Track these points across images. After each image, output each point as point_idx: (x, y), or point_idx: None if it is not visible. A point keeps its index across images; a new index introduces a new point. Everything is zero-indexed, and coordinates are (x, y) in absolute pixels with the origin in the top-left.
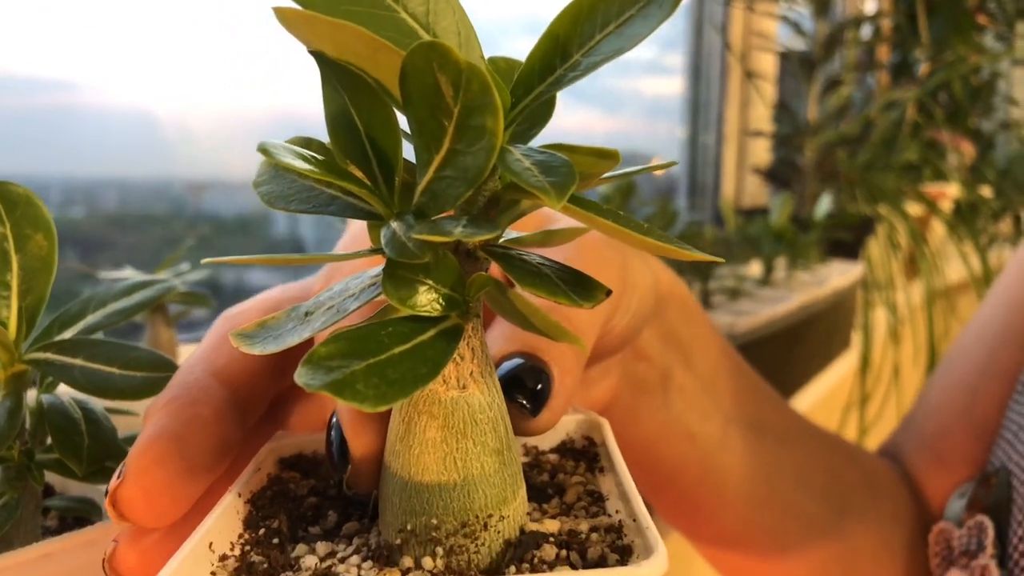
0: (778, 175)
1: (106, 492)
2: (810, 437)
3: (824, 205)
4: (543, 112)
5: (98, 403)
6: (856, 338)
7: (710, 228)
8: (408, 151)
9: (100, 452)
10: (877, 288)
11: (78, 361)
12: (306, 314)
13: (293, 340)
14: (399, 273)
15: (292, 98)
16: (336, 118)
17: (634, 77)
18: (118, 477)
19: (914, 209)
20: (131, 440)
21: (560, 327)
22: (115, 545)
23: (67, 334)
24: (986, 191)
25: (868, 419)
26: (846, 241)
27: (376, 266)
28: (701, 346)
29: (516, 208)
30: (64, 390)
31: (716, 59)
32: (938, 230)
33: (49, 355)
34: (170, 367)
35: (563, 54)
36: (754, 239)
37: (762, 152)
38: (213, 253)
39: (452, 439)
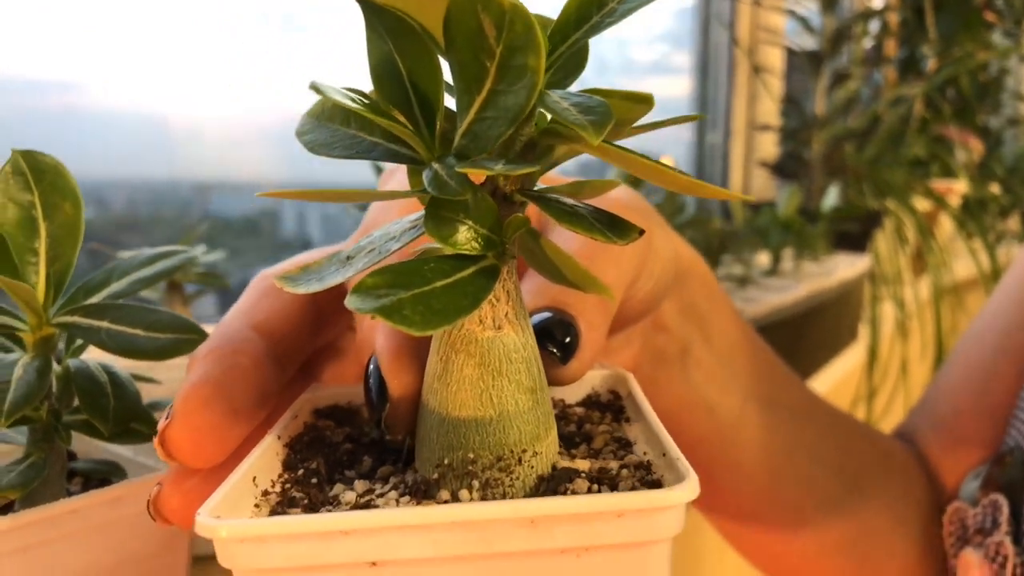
0: (785, 169)
1: (154, 433)
2: (824, 415)
3: (831, 198)
4: (577, 61)
5: (122, 369)
6: (864, 332)
7: (718, 220)
8: (447, 102)
9: (125, 413)
10: (885, 283)
11: (104, 324)
12: (347, 258)
13: (336, 279)
14: (441, 213)
15: (298, 99)
16: (380, 64)
17: (640, 77)
18: (166, 418)
19: (922, 204)
20: (155, 406)
21: (589, 276)
22: (159, 488)
23: (93, 300)
24: (994, 188)
25: (876, 413)
26: (853, 233)
27: (415, 212)
28: (719, 321)
29: (551, 155)
30: (88, 357)
31: (723, 55)
32: (946, 226)
33: (76, 318)
34: (192, 329)
35: (599, 3)
36: (762, 230)
37: (769, 146)
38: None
39: (488, 376)
